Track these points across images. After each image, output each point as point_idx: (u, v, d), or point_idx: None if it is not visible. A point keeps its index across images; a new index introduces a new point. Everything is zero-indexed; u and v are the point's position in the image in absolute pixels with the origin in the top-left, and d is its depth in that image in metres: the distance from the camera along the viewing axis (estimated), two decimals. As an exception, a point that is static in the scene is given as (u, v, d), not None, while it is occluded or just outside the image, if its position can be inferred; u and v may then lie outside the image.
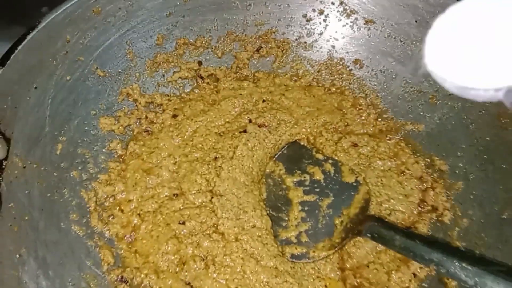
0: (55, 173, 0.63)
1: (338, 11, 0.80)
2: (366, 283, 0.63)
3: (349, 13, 0.80)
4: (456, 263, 0.50)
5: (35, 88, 0.61)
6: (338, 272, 0.65)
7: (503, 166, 0.64)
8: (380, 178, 0.72)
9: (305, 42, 0.83)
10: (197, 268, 0.63)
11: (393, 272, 0.64)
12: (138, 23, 0.74)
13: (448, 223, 0.68)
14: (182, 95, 0.80)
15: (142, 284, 0.62)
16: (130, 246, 0.65)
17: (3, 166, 0.55)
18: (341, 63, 0.83)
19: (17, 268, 0.51)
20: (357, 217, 0.67)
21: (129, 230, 0.67)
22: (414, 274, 0.64)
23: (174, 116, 0.77)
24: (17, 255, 0.52)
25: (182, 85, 0.81)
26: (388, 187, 0.71)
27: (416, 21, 0.74)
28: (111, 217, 0.67)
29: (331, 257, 0.66)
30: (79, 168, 0.67)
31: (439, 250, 0.54)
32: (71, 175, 0.66)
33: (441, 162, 0.72)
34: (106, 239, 0.65)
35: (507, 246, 0.60)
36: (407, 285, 0.63)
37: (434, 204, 0.70)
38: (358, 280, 0.64)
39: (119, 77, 0.74)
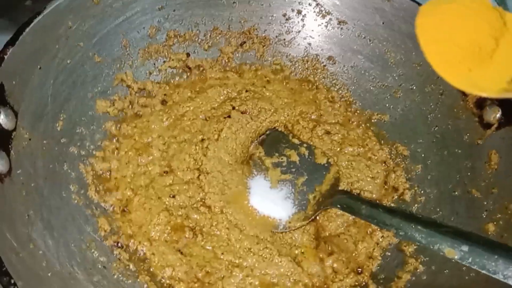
0: (56, 148, 0.68)
1: (314, 11, 0.89)
2: (337, 250, 0.72)
3: (324, 14, 0.88)
4: (413, 226, 0.59)
5: (39, 68, 0.66)
6: (313, 242, 0.73)
7: (456, 150, 0.74)
8: (350, 162, 0.81)
9: (284, 39, 0.91)
10: (186, 237, 0.70)
11: (359, 242, 0.73)
12: (133, 14, 0.80)
13: (409, 200, 0.77)
14: (171, 82, 0.87)
15: (137, 250, 0.68)
16: (124, 217, 0.71)
17: (12, 136, 0.60)
18: (316, 59, 0.91)
19: (27, 227, 0.56)
20: (328, 192, 0.75)
21: (123, 202, 0.72)
22: (377, 243, 0.73)
23: (164, 102, 0.83)
24: (26, 215, 0.57)
25: (171, 74, 0.87)
26: (357, 170, 0.80)
27: (383, 23, 0.83)
28: (107, 190, 0.73)
29: (307, 228, 0.73)
30: (78, 144, 0.72)
31: (398, 216, 0.62)
32: (71, 150, 0.71)
33: (403, 148, 0.82)
34: (102, 209, 0.71)
35: (457, 218, 0.70)
36: (371, 252, 0.73)
37: (395, 185, 0.79)
38: (329, 248, 0.72)
39: (114, 64, 0.80)
